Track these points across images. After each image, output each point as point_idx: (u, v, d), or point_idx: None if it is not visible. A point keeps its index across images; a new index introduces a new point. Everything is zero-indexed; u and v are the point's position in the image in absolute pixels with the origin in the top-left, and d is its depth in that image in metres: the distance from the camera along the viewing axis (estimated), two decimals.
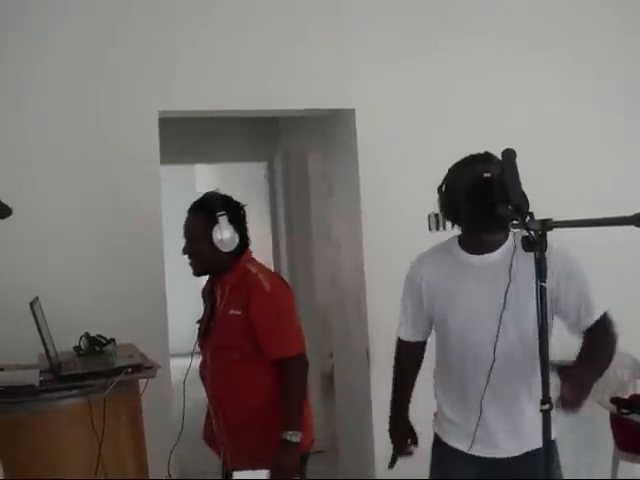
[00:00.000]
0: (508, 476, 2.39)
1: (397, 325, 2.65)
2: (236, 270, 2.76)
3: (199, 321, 2.92)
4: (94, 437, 2.54)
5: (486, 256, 2.36)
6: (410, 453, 2.63)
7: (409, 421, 2.66)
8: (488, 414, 2.35)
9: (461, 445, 2.43)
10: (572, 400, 2.12)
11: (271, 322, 2.67)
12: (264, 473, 2.50)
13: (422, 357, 2.64)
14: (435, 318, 2.48)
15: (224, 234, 2.71)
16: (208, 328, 2.83)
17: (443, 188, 2.42)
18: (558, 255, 2.23)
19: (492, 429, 2.37)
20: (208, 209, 2.76)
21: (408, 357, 2.64)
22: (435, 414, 2.58)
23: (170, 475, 2.89)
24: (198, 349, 2.87)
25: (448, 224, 2.49)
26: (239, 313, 2.70)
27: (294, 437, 2.53)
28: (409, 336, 2.60)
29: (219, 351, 2.77)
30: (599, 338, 2.37)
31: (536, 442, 2.29)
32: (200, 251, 2.76)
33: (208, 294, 2.91)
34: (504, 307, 2.26)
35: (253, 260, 2.85)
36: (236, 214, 2.79)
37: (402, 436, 2.62)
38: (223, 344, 2.75)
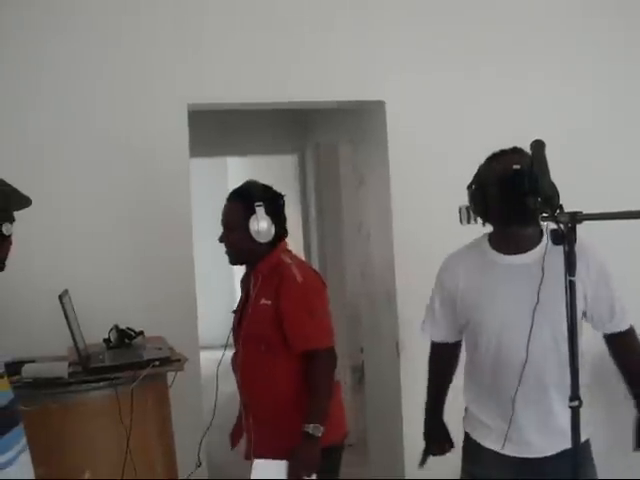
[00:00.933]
0: (541, 476, 2.36)
1: (423, 324, 2.63)
2: (269, 259, 2.73)
3: (234, 311, 2.91)
4: (122, 429, 2.55)
5: (520, 256, 2.32)
6: (443, 454, 2.62)
7: (444, 424, 2.64)
8: (520, 413, 2.32)
9: (493, 445, 2.39)
10: None
11: (301, 314, 2.63)
12: (283, 464, 2.48)
13: (457, 358, 2.61)
14: (469, 319, 2.44)
15: (260, 225, 2.68)
16: (241, 318, 2.82)
17: (473, 184, 2.37)
18: (590, 251, 2.21)
19: (524, 428, 2.34)
20: (246, 198, 2.74)
21: (442, 359, 2.61)
22: (465, 412, 2.55)
23: (200, 463, 2.88)
24: (232, 340, 2.86)
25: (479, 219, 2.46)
26: (269, 303, 2.68)
27: (316, 431, 2.50)
28: (442, 337, 2.57)
29: (248, 341, 2.75)
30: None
31: (569, 441, 2.31)
32: (236, 240, 2.74)
33: (244, 284, 2.89)
34: (537, 304, 2.22)
35: (288, 251, 2.82)
36: (274, 205, 2.77)
37: (436, 439, 2.61)
38: (252, 334, 2.73)
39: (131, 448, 2.55)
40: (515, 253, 2.33)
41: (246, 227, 2.69)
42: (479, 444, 2.45)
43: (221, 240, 2.79)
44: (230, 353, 2.84)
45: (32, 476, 2.12)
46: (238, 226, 2.72)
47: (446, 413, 2.69)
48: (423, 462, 2.60)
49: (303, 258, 5.46)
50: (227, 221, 2.78)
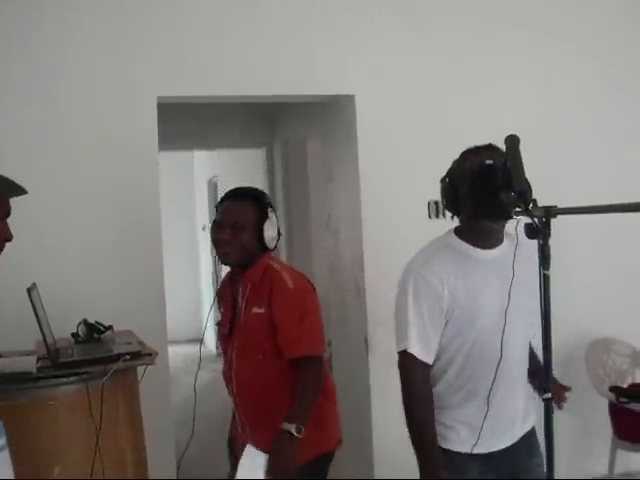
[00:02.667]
0: (502, 468, 2.39)
1: (398, 340, 2.37)
2: (257, 266, 2.68)
3: (218, 323, 2.86)
4: (92, 424, 2.51)
5: (492, 251, 2.34)
6: None
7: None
8: (493, 410, 2.32)
9: (463, 447, 2.36)
10: None
11: (294, 320, 2.60)
12: (266, 458, 2.48)
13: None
14: (456, 322, 2.31)
15: (274, 230, 2.69)
16: (231, 328, 2.76)
17: (446, 178, 2.38)
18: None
19: (495, 424, 2.35)
20: (260, 201, 2.71)
21: (429, 384, 2.36)
22: None
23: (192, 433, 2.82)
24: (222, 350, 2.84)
25: (448, 213, 2.46)
26: (262, 311, 2.63)
27: (297, 431, 2.46)
28: (429, 356, 2.33)
29: (243, 351, 2.70)
30: None
31: (522, 429, 2.44)
32: (245, 241, 2.67)
33: (226, 294, 2.84)
34: (508, 303, 2.23)
35: (274, 258, 2.81)
36: (275, 211, 2.78)
37: (440, 467, 2.32)
38: (247, 344, 2.68)
39: (101, 443, 2.51)
40: (488, 247, 2.34)
41: (259, 230, 2.66)
42: (448, 450, 2.38)
43: (221, 238, 2.68)
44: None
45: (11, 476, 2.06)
46: (250, 227, 2.67)
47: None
48: None
49: None
50: (237, 220, 2.67)
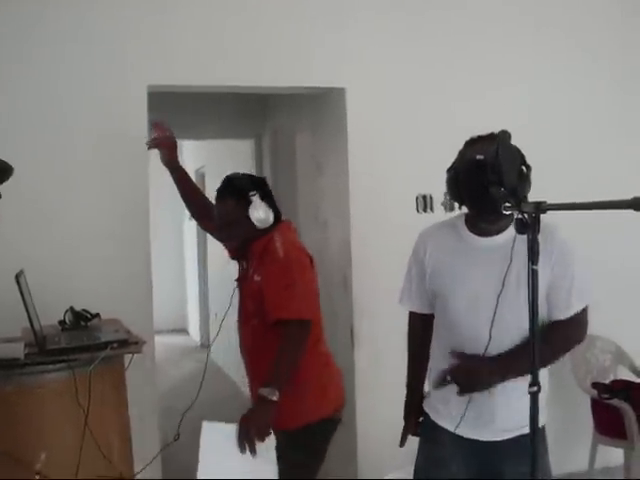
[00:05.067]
0: (494, 461, 2.38)
1: (401, 293, 2.60)
2: (262, 240, 2.80)
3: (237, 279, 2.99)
4: (79, 411, 2.52)
5: (492, 238, 2.33)
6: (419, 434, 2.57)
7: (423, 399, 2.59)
8: (477, 395, 2.32)
9: (449, 425, 2.41)
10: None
11: (277, 286, 2.68)
12: (233, 427, 2.47)
13: (432, 332, 2.56)
14: (437, 294, 2.45)
15: (261, 212, 2.78)
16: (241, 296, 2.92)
17: (451, 169, 2.39)
18: (558, 241, 2.24)
19: (481, 411, 2.34)
20: (239, 191, 2.81)
21: (417, 330, 2.60)
22: (427, 393, 2.56)
23: (178, 436, 2.81)
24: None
25: (435, 206, 2.48)
26: (259, 279, 2.76)
27: (271, 394, 2.50)
28: (416, 307, 2.57)
29: (245, 318, 2.87)
30: (564, 333, 2.36)
31: (523, 428, 2.29)
32: (240, 234, 2.83)
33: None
34: (502, 290, 2.23)
35: (281, 229, 2.87)
36: (265, 189, 2.87)
37: (416, 414, 2.57)
38: (247, 310, 2.84)
39: (87, 430, 2.52)
40: (487, 235, 2.34)
41: (247, 218, 2.77)
42: (437, 424, 2.45)
43: (223, 240, 2.93)
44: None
45: None
46: (239, 219, 2.80)
47: None
48: (403, 442, 2.56)
49: None
50: (226, 217, 2.84)
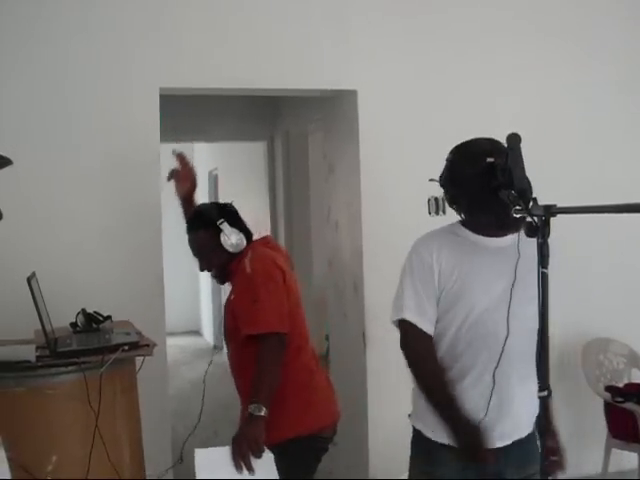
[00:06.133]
0: (497, 467, 2.29)
1: (394, 310, 2.35)
2: (236, 260, 2.82)
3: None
4: (90, 414, 2.52)
5: (498, 239, 2.30)
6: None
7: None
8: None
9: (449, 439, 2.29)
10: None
11: (245, 302, 2.70)
12: (226, 449, 2.45)
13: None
14: (447, 300, 2.30)
15: (232, 239, 2.81)
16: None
17: (446, 173, 2.37)
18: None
19: (490, 418, 2.27)
20: (207, 222, 2.86)
21: (432, 346, 2.31)
22: (413, 411, 2.46)
23: (181, 460, 2.81)
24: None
25: (448, 209, 2.45)
26: (233, 298, 2.81)
27: (257, 410, 2.49)
28: (425, 324, 2.30)
29: (228, 336, 2.89)
30: None
31: (523, 431, 2.33)
32: (217, 262, 2.87)
33: None
34: (514, 283, 2.20)
35: (254, 246, 2.87)
36: (232, 215, 2.90)
37: (480, 438, 2.22)
38: (229, 328, 2.85)
39: (99, 433, 2.52)
40: (493, 236, 2.31)
41: (220, 246, 2.82)
42: (433, 440, 2.34)
43: (204, 269, 2.94)
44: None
45: (7, 476, 2.05)
46: (213, 249, 2.84)
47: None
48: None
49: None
50: (201, 250, 2.90)
